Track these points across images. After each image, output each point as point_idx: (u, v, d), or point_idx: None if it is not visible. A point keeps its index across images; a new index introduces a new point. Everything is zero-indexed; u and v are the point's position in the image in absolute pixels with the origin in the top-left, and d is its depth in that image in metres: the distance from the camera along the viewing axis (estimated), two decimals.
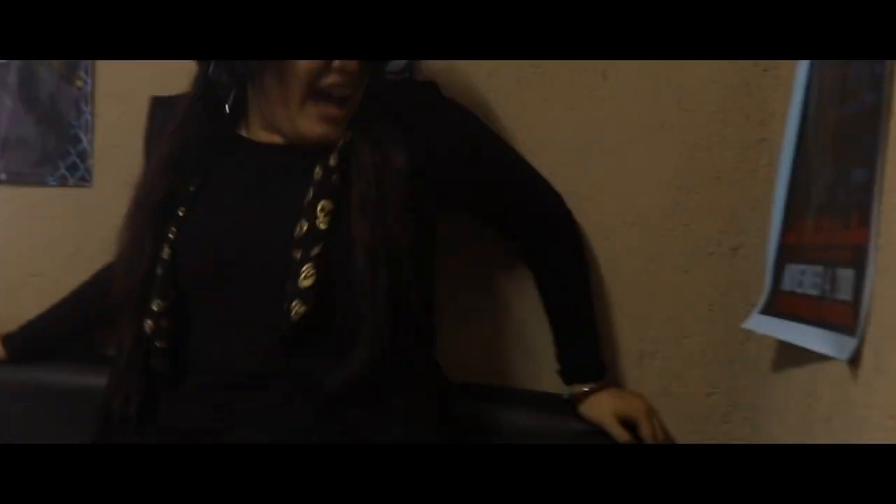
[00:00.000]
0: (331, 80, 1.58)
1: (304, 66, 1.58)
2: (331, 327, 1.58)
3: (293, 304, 1.55)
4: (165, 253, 1.63)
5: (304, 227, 1.56)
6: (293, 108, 1.62)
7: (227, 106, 1.70)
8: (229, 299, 1.64)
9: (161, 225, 1.66)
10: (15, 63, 2.13)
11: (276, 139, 1.69)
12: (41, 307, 2.05)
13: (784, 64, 1.76)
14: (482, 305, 2.02)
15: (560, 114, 1.92)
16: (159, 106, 1.89)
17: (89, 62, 2.09)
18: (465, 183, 1.79)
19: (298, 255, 1.56)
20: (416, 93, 1.80)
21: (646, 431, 1.74)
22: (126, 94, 2.08)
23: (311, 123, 1.61)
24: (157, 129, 1.81)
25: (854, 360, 1.20)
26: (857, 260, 1.21)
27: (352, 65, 1.57)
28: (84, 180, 2.13)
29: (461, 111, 1.81)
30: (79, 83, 2.11)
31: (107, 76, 2.10)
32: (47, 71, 2.11)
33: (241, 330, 1.63)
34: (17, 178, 2.14)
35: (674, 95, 1.90)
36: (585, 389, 1.80)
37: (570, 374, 1.83)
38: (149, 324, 1.64)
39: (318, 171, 1.60)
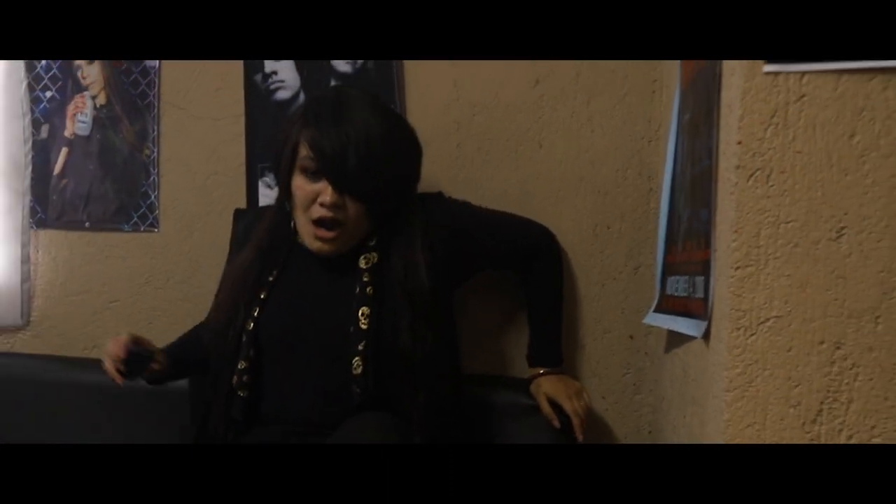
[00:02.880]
0: (317, 211, 1.74)
1: (299, 199, 1.76)
2: (387, 402, 1.72)
3: (352, 386, 1.71)
4: (250, 325, 1.79)
5: (351, 328, 1.72)
6: (302, 228, 1.79)
7: (291, 223, 1.84)
8: (297, 367, 1.78)
9: (249, 302, 1.81)
10: (96, 137, 2.27)
11: None
12: (119, 328, 2.16)
13: (662, 137, 1.97)
14: (483, 320, 2.16)
15: (508, 174, 2.12)
16: (240, 215, 2.10)
17: (155, 136, 2.23)
18: (478, 257, 1.95)
19: (350, 348, 1.72)
20: (429, 203, 1.90)
21: (567, 409, 1.85)
22: (184, 161, 2.26)
23: (310, 240, 1.78)
24: (241, 233, 2.01)
25: (706, 337, 1.45)
26: (705, 270, 1.44)
27: (326, 199, 1.71)
28: (152, 227, 2.27)
29: (461, 206, 1.95)
30: (147, 152, 2.26)
31: (169, 147, 2.25)
32: (122, 143, 2.26)
33: (306, 391, 1.77)
34: (98, 226, 2.30)
35: (588, 158, 2.09)
36: (540, 372, 1.95)
37: (530, 360, 2.00)
38: (234, 379, 1.79)
39: (356, 287, 1.76)
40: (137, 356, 1.75)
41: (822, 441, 1.31)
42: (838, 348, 1.31)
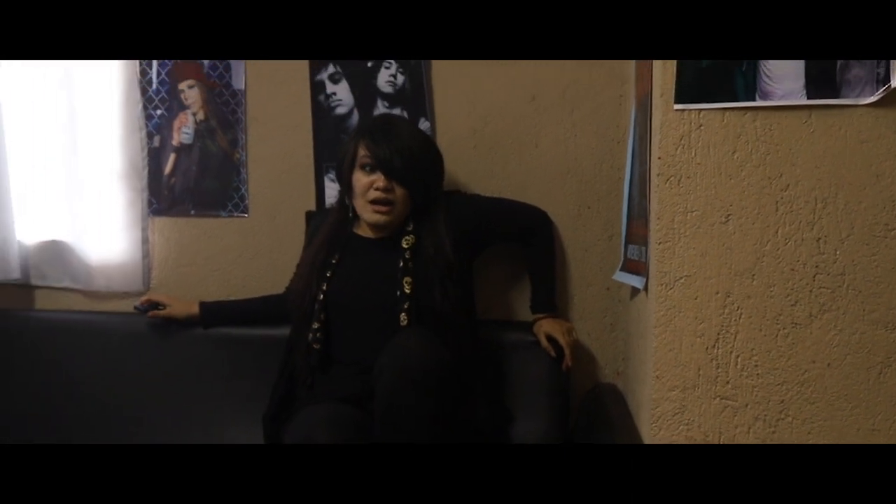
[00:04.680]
0: (373, 194, 2.05)
1: (358, 188, 2.06)
2: None
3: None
4: (320, 296, 2.08)
5: (398, 293, 2.01)
6: (361, 209, 2.09)
7: (350, 216, 2.15)
8: (357, 324, 2.05)
9: (319, 279, 2.09)
10: (197, 145, 2.45)
11: (371, 235, 2.11)
12: (221, 292, 2.44)
13: (626, 139, 2.13)
14: (496, 280, 2.35)
15: (512, 167, 2.35)
16: (310, 217, 2.35)
17: (243, 143, 2.42)
18: (489, 235, 2.21)
19: (397, 307, 2.00)
20: (450, 197, 2.17)
21: (561, 342, 2.12)
22: (266, 162, 2.46)
23: (369, 215, 2.07)
24: (313, 228, 2.26)
25: (645, 289, 1.77)
26: (646, 242, 1.73)
27: (381, 183, 2.02)
28: (243, 213, 2.48)
29: (473, 197, 2.22)
30: (237, 156, 2.46)
31: (254, 151, 2.44)
32: (217, 149, 2.46)
33: (365, 341, 2.01)
34: (201, 213, 2.51)
35: (572, 155, 2.32)
36: (540, 317, 2.22)
37: (532, 308, 2.26)
38: (310, 335, 2.08)
39: (400, 262, 2.04)
40: (149, 303, 2.34)
41: (719, 360, 1.63)
42: (728, 297, 1.64)
